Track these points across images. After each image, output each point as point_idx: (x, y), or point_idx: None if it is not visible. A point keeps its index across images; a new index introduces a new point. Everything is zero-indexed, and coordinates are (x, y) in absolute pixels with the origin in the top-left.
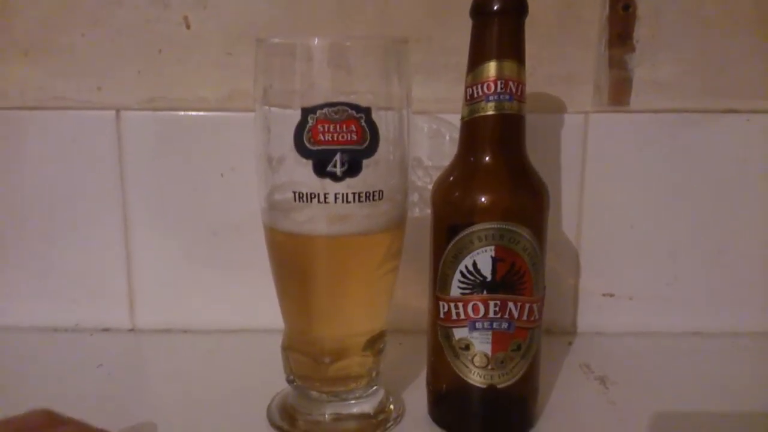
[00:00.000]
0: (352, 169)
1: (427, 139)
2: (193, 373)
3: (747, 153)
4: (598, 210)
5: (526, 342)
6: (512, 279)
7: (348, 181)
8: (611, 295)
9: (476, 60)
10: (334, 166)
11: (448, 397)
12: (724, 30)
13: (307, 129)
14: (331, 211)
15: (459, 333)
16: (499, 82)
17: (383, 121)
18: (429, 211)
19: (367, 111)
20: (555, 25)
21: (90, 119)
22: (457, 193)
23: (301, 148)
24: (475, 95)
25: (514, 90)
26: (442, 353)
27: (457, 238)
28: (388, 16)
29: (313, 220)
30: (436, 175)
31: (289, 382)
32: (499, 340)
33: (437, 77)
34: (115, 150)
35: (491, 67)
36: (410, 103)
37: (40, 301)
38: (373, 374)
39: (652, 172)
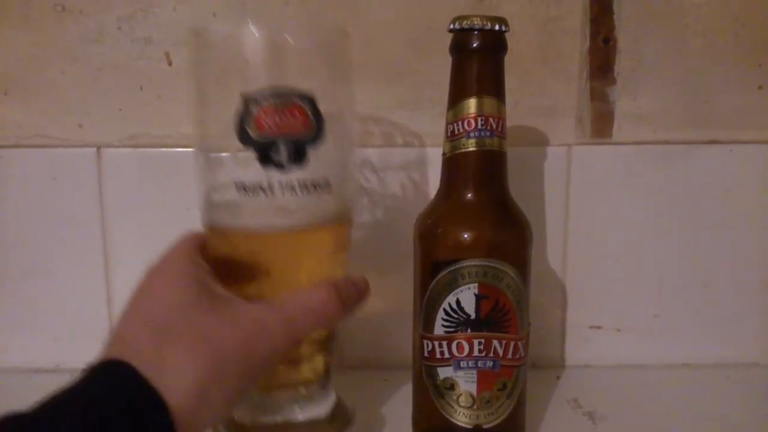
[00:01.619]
0: (298, 158)
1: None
2: None
3: (730, 183)
4: (584, 243)
5: (512, 380)
6: (496, 316)
7: (293, 171)
8: (598, 328)
9: (456, 97)
10: (279, 155)
11: None
12: (706, 61)
13: (249, 117)
14: (275, 203)
15: (444, 372)
16: (479, 119)
17: (328, 111)
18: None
19: (312, 99)
20: (536, 58)
21: (71, 157)
22: (439, 230)
23: (244, 138)
24: (456, 132)
25: (494, 126)
26: (427, 392)
27: (439, 275)
28: (371, 51)
29: (257, 214)
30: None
31: None
32: (484, 379)
33: (421, 111)
34: (96, 187)
35: (471, 104)
36: (352, 95)
37: (19, 341)
38: (324, 377)
39: (637, 204)
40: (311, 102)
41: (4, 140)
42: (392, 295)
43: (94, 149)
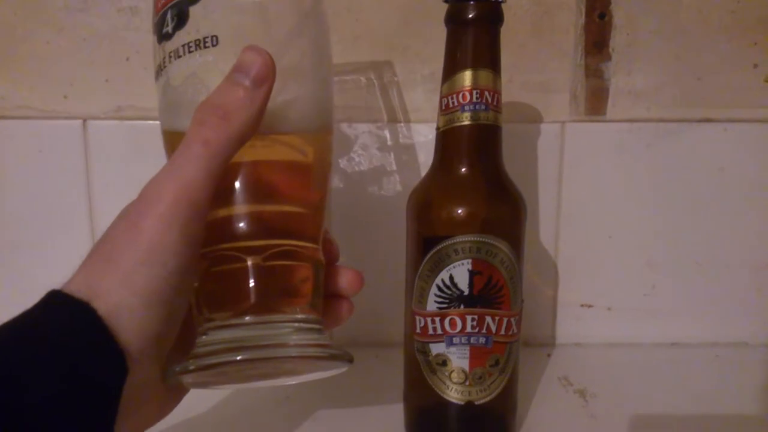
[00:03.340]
0: (180, 20)
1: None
2: None
3: (724, 162)
4: (576, 220)
5: (504, 357)
6: (490, 293)
7: (178, 35)
8: (590, 306)
9: (451, 69)
10: (166, 26)
11: (426, 414)
12: (701, 39)
13: (153, 10)
14: (169, 80)
15: (436, 348)
16: (474, 92)
17: None
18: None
19: None
20: (531, 33)
21: (56, 129)
22: (432, 206)
23: (154, 30)
24: (451, 105)
25: (489, 99)
26: (419, 368)
27: (433, 251)
28: (363, 25)
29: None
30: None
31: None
32: (476, 355)
33: (413, 86)
34: (82, 160)
35: (466, 77)
36: None
37: (5, 313)
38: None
39: (630, 181)
40: None
41: None
42: (384, 271)
43: (80, 121)
